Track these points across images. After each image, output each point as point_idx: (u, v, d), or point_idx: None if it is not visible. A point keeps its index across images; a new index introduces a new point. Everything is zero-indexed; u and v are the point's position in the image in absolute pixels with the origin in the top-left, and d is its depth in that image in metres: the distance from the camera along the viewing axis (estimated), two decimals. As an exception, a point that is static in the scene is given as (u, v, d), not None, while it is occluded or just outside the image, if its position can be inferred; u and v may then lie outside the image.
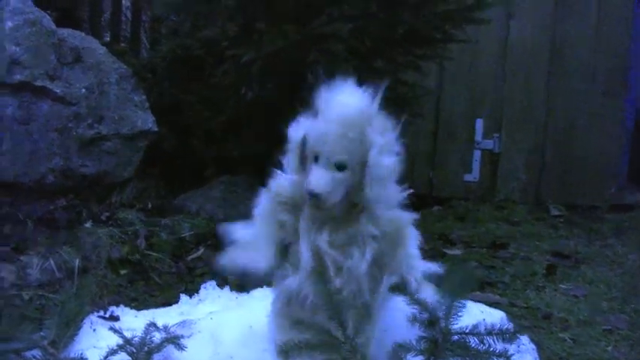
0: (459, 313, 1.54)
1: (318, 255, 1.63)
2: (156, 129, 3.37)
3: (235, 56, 3.14)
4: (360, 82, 1.64)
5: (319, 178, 1.56)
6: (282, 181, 1.71)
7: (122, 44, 4.58)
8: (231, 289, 2.55)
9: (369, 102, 1.60)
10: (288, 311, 1.72)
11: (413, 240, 1.71)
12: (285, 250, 1.72)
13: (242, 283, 2.54)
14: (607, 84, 4.62)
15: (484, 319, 1.63)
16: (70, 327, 1.91)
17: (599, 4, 4.60)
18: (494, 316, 2.19)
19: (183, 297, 2.52)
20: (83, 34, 3.42)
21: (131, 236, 2.87)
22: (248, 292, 2.49)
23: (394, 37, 3.35)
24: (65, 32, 3.20)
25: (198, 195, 3.45)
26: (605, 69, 4.62)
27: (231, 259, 1.77)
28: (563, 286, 2.88)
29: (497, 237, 3.73)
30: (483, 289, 2.81)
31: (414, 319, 1.57)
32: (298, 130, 1.66)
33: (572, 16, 4.64)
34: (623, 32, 4.60)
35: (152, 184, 3.53)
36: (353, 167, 1.58)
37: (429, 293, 1.67)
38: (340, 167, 1.57)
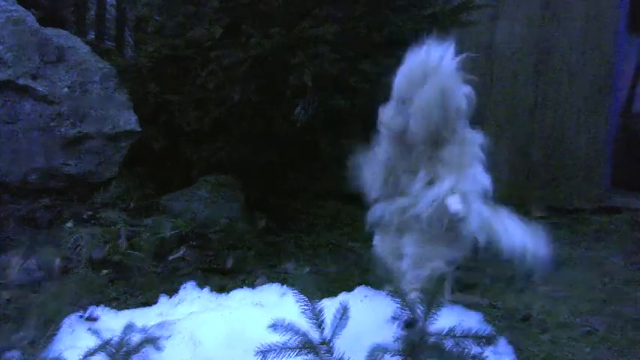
0: (438, 314, 1.55)
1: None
2: (139, 129, 3.36)
3: (220, 57, 3.13)
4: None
5: (386, 110, 2.20)
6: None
7: (107, 42, 4.56)
8: (211, 290, 2.54)
9: (437, 54, 2.12)
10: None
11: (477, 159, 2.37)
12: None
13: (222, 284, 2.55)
14: (593, 87, 4.64)
15: (461, 322, 1.64)
16: (50, 327, 1.92)
17: (586, 8, 4.61)
18: (472, 319, 2.21)
19: (163, 297, 2.50)
20: (67, 32, 3.41)
21: (113, 236, 2.87)
22: (227, 292, 2.49)
23: (380, 39, 3.35)
24: (49, 31, 3.20)
25: (184, 195, 3.44)
26: (591, 72, 4.63)
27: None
28: (543, 288, 2.89)
29: (480, 238, 3.73)
30: (464, 291, 2.82)
31: (395, 318, 1.59)
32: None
33: (559, 19, 4.65)
34: (609, 36, 4.62)
35: (137, 183, 3.51)
36: (409, 100, 2.10)
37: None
38: (401, 101, 2.11)
